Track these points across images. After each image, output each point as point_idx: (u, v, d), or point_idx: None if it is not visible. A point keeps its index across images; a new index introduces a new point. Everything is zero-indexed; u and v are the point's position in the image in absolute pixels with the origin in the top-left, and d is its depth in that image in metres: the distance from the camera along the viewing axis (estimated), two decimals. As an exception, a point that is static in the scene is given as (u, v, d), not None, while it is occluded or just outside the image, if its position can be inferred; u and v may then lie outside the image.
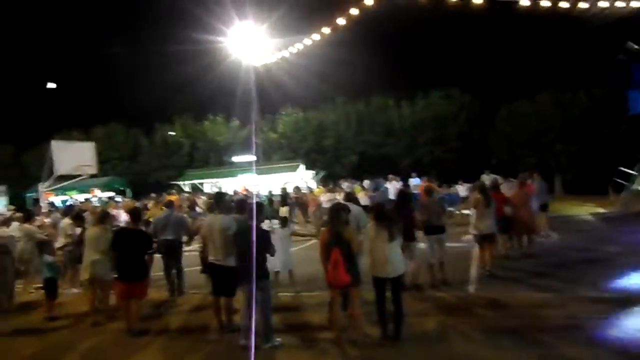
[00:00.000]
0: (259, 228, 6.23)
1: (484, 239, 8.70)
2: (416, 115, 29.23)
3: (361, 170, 27.73)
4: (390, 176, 21.00)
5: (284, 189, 22.07)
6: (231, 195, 20.96)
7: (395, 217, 6.28)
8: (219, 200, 7.03)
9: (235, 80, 29.68)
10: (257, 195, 20.98)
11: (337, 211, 6.20)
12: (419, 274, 8.10)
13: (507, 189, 13.17)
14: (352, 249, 5.95)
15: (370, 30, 26.86)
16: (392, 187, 20.26)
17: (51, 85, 37.46)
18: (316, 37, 24.73)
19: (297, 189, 21.38)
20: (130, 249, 6.92)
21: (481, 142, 28.44)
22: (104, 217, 7.83)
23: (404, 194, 8.69)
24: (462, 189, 20.51)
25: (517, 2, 11.13)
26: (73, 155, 20.47)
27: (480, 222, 8.68)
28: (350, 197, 8.21)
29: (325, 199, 19.94)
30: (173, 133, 33.31)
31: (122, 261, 6.94)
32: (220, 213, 6.95)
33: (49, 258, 8.32)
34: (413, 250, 7.97)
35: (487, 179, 22.34)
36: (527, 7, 11.07)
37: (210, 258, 6.87)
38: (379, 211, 6.22)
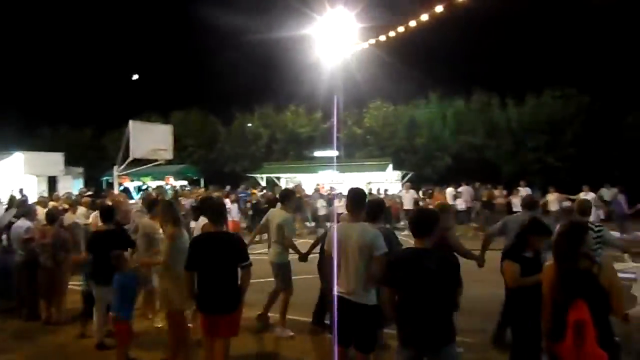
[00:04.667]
0: (439, 251, 3.69)
1: None
2: (525, 117, 25.54)
3: (454, 174, 24.61)
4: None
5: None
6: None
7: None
8: (356, 200, 4.56)
9: (321, 70, 27.67)
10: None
11: (577, 232, 3.56)
12: None
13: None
14: (614, 305, 3.30)
15: (473, 18, 23.86)
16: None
17: (135, 76, 37.59)
18: (411, 24, 21.95)
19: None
20: (216, 263, 4.50)
21: (600, 151, 24.39)
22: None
23: None
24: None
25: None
26: (150, 138, 19.07)
27: None
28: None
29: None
30: (250, 125, 31.64)
31: (204, 284, 4.57)
32: (355, 219, 4.46)
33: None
34: None
35: (607, 193, 18.85)
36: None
37: (339, 289, 4.39)
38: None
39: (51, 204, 11.51)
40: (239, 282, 4.61)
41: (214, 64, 35.54)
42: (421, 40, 24.21)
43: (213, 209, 4.92)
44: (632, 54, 25.94)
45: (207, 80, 37.06)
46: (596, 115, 24.94)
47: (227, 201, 15.08)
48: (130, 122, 18.16)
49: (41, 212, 9.05)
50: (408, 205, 18.02)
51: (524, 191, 19.16)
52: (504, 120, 25.95)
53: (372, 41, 24.81)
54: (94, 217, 8.85)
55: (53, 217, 7.45)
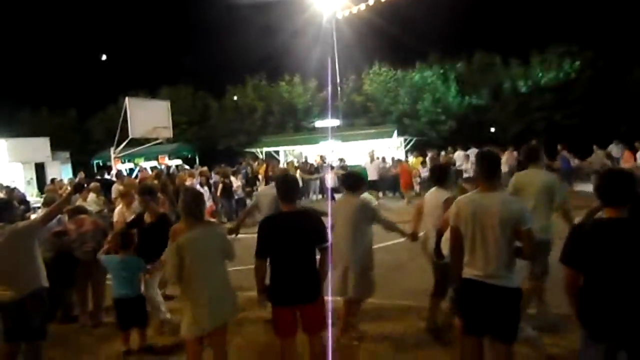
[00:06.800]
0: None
1: None
2: (530, 75, 24.84)
3: (459, 137, 23.93)
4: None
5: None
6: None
7: None
8: (492, 165, 3.69)
9: (315, 35, 26.42)
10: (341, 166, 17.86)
11: None
12: None
13: None
14: None
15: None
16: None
17: (103, 57, 35.57)
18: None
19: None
20: (293, 247, 3.80)
21: (607, 107, 23.94)
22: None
23: None
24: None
25: None
26: (148, 115, 17.91)
27: None
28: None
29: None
30: (236, 97, 30.26)
31: (280, 272, 3.83)
32: (491, 188, 3.67)
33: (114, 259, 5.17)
34: None
35: (615, 149, 18.51)
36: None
37: (472, 272, 3.64)
38: None
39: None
40: (318, 266, 3.94)
41: (200, 36, 33.91)
42: (416, 1, 23.25)
43: (285, 186, 4.11)
44: (634, 7, 25.31)
45: (195, 53, 35.44)
46: (601, 71, 24.40)
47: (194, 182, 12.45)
48: (128, 99, 16.96)
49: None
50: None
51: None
52: (509, 80, 25.19)
53: (370, 1, 23.69)
54: (119, 212, 7.42)
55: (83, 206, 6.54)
